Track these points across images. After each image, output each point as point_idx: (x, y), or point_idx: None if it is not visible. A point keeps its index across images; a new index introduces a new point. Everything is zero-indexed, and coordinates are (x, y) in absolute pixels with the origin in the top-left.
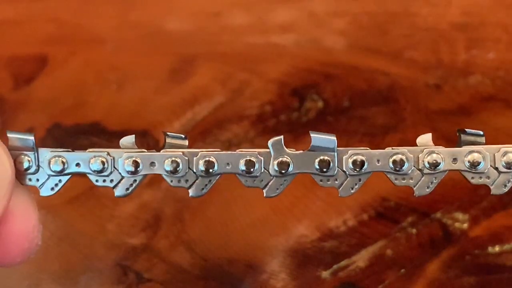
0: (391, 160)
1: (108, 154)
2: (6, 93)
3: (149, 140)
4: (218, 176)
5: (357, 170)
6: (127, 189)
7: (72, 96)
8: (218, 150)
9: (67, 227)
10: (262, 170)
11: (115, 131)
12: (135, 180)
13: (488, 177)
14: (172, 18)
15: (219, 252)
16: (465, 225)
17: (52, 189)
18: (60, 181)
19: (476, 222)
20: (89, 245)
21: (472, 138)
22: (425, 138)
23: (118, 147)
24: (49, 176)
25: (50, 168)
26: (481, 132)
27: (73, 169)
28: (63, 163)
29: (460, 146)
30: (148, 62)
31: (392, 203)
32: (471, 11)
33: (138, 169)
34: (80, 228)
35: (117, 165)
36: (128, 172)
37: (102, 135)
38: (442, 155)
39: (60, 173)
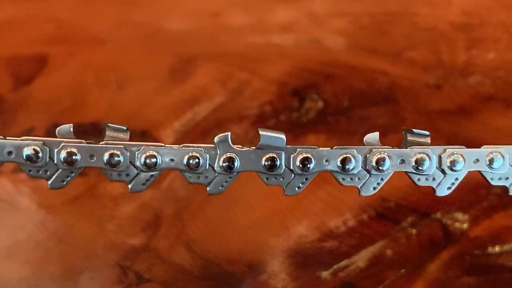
0: (339, 159)
1: (44, 143)
2: (6, 93)
3: (149, 140)
4: (160, 172)
5: (304, 169)
6: (63, 181)
7: (72, 96)
8: (162, 145)
9: (67, 227)
10: (207, 167)
11: None
12: (71, 172)
13: (434, 179)
14: (172, 18)
15: (219, 252)
16: (465, 225)
17: None
18: None
19: (476, 222)
20: (89, 245)
21: (418, 138)
22: (372, 137)
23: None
24: None
25: None
26: (427, 133)
27: (3, 157)
28: None
29: (405, 146)
30: (148, 62)
31: (392, 203)
32: (471, 11)
33: (75, 160)
34: (80, 228)
35: (52, 156)
36: (64, 163)
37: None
38: (390, 156)
39: None
